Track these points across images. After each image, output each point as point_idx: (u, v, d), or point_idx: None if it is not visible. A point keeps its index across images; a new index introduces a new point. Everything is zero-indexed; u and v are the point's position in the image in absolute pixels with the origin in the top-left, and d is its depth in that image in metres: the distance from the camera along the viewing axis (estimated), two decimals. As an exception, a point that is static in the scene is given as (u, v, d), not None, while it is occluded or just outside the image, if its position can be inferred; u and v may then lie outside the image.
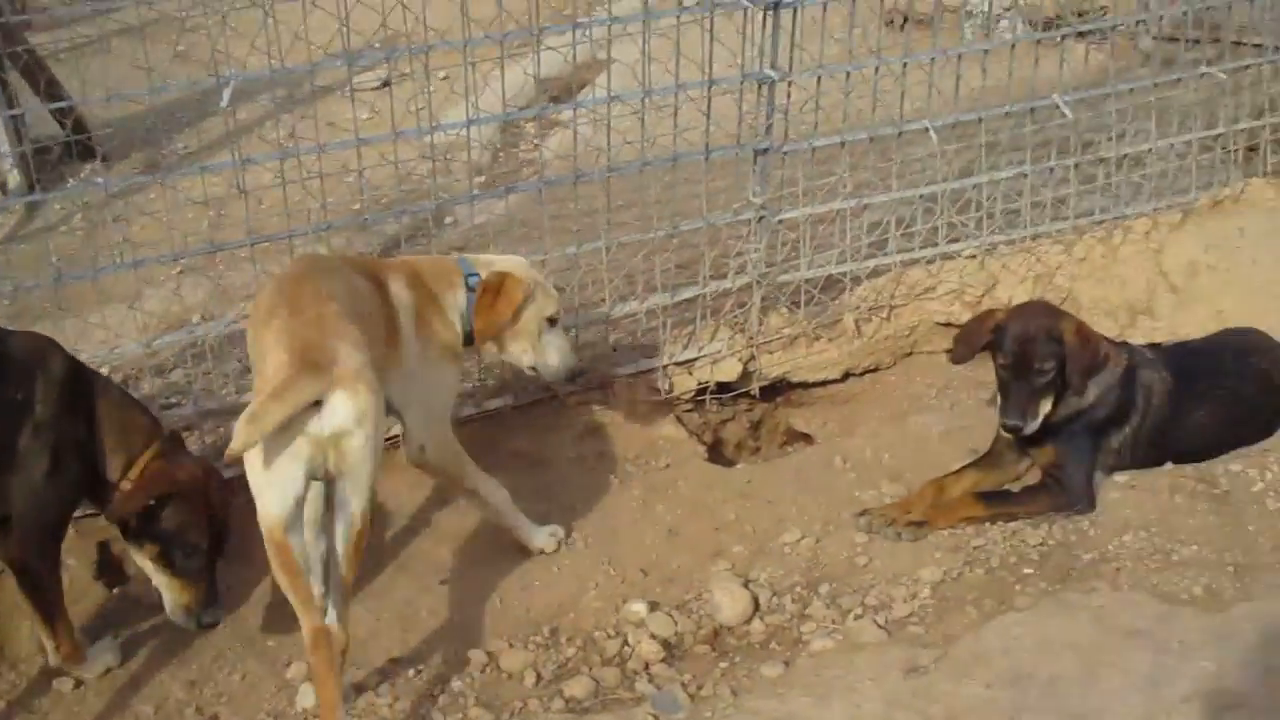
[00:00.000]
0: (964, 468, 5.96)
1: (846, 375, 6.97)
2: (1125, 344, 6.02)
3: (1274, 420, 6.20)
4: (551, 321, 5.47)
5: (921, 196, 6.92)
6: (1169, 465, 5.94)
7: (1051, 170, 7.13)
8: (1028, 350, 5.57)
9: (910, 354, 7.09)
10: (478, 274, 5.35)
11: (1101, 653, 4.87)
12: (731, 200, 6.75)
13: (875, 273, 6.95)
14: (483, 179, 8.56)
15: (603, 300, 6.42)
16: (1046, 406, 5.65)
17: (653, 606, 5.41)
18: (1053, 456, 5.79)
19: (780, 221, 6.65)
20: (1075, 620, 5.05)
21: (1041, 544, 5.59)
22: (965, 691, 4.71)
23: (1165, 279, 7.03)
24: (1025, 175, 7.04)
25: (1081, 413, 5.78)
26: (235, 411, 5.81)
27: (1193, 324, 6.75)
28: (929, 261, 7.00)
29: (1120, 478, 5.91)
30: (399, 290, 5.13)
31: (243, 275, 6.61)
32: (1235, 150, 7.62)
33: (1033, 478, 5.89)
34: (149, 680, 5.17)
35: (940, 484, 5.91)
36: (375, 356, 4.55)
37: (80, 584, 5.59)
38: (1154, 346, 6.17)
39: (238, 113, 6.70)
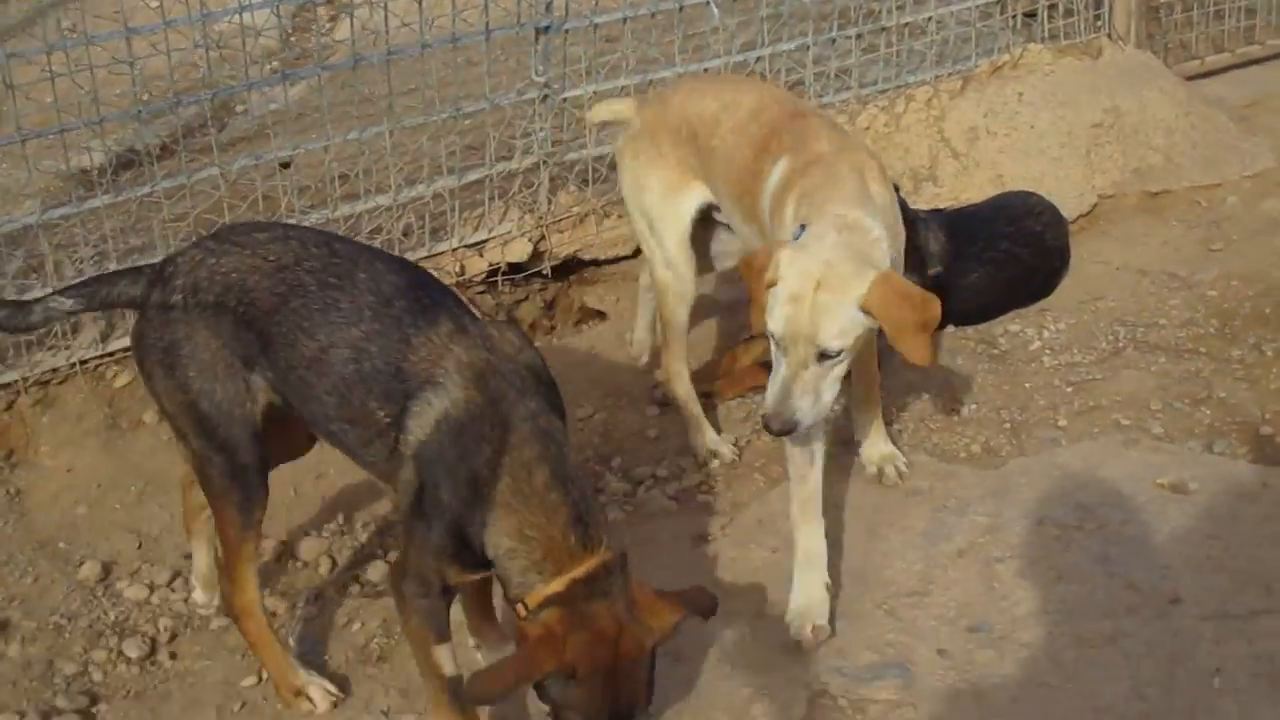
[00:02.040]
0: (754, 337, 6.04)
1: (638, 251, 6.98)
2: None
3: (1049, 281, 6.38)
4: None
5: (706, 70, 6.93)
6: (950, 328, 6.09)
7: (834, 41, 7.20)
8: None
9: (699, 227, 7.14)
10: None
11: (882, 513, 5.04)
12: (517, 81, 6.72)
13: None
14: (274, 65, 8.39)
15: (389, 185, 6.36)
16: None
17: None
18: None
19: (565, 100, 6.63)
20: (857, 483, 5.20)
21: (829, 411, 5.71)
22: (751, 556, 4.83)
23: (947, 145, 7.15)
24: (809, 47, 7.09)
25: None
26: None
27: (974, 189, 6.90)
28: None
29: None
30: None
31: (19, 173, 6.43)
32: (1014, 16, 7.77)
33: None
34: (-63, 588, 5.10)
35: (733, 354, 6.01)
36: None
37: None
38: (932, 211, 6.28)
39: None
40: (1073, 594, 4.58)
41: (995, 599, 4.59)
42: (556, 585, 3.53)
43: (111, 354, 5.99)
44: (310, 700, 4.36)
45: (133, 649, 4.73)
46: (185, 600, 4.96)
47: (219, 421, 4.07)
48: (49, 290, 5.72)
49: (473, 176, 6.54)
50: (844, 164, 4.49)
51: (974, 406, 5.63)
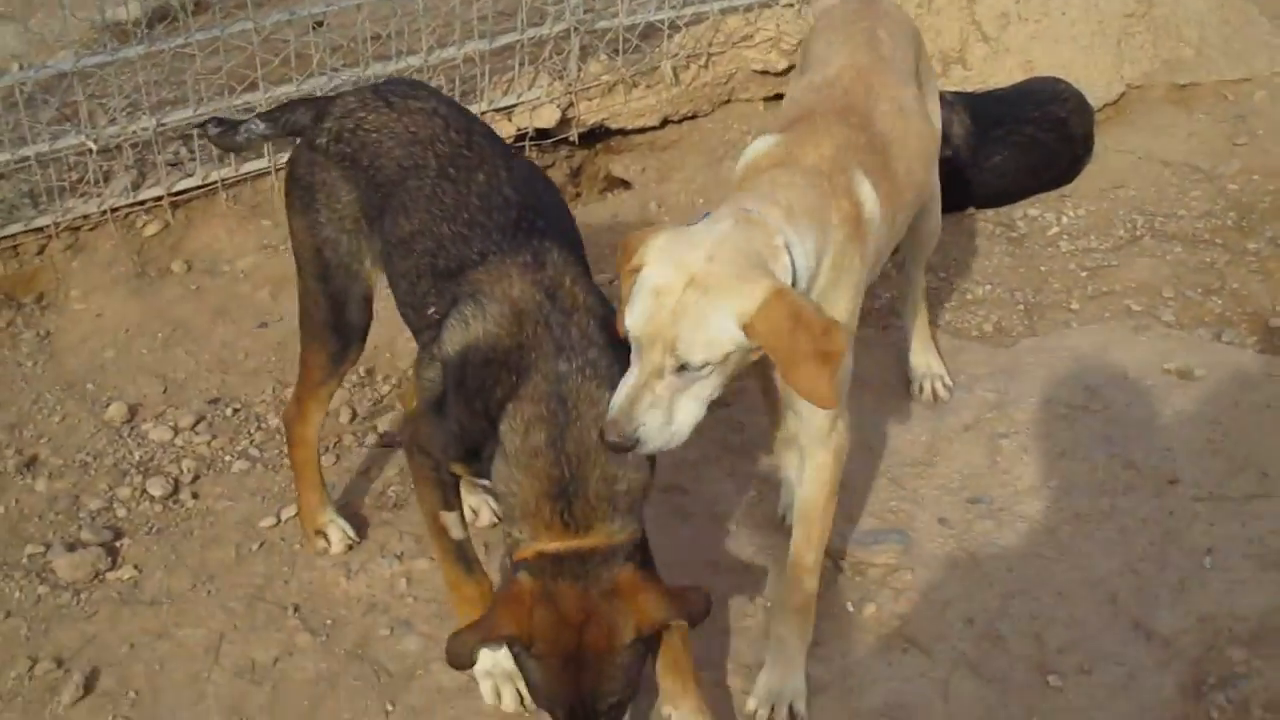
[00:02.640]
0: None
1: (665, 122, 7.04)
2: None
3: (1072, 168, 6.43)
4: None
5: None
6: (970, 209, 6.15)
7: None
8: None
9: (728, 101, 7.17)
10: None
11: (891, 387, 5.13)
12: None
13: (694, 20, 6.98)
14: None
15: (420, 47, 6.40)
16: None
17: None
18: None
19: (597, -36, 6.68)
20: (871, 357, 5.28)
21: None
22: (760, 421, 4.92)
23: (978, 29, 7.13)
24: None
25: None
26: (47, 159, 5.85)
27: (1003, 74, 6.90)
28: (747, 9, 7.05)
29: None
30: None
31: (55, 23, 6.49)
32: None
33: None
34: (-34, 423, 5.24)
35: None
36: None
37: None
38: (958, 93, 6.32)
39: None
40: (1073, 471, 4.68)
41: (997, 473, 4.70)
42: (529, 552, 3.37)
43: (142, 202, 6.11)
44: (326, 540, 4.49)
45: (156, 488, 4.87)
46: (208, 444, 5.09)
47: (336, 272, 4.08)
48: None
49: (504, 41, 6.58)
50: (810, 178, 3.63)
51: (989, 287, 5.70)
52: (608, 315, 3.51)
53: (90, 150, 5.96)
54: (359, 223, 4.00)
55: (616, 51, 6.86)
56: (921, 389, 5.04)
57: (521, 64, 6.69)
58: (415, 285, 3.80)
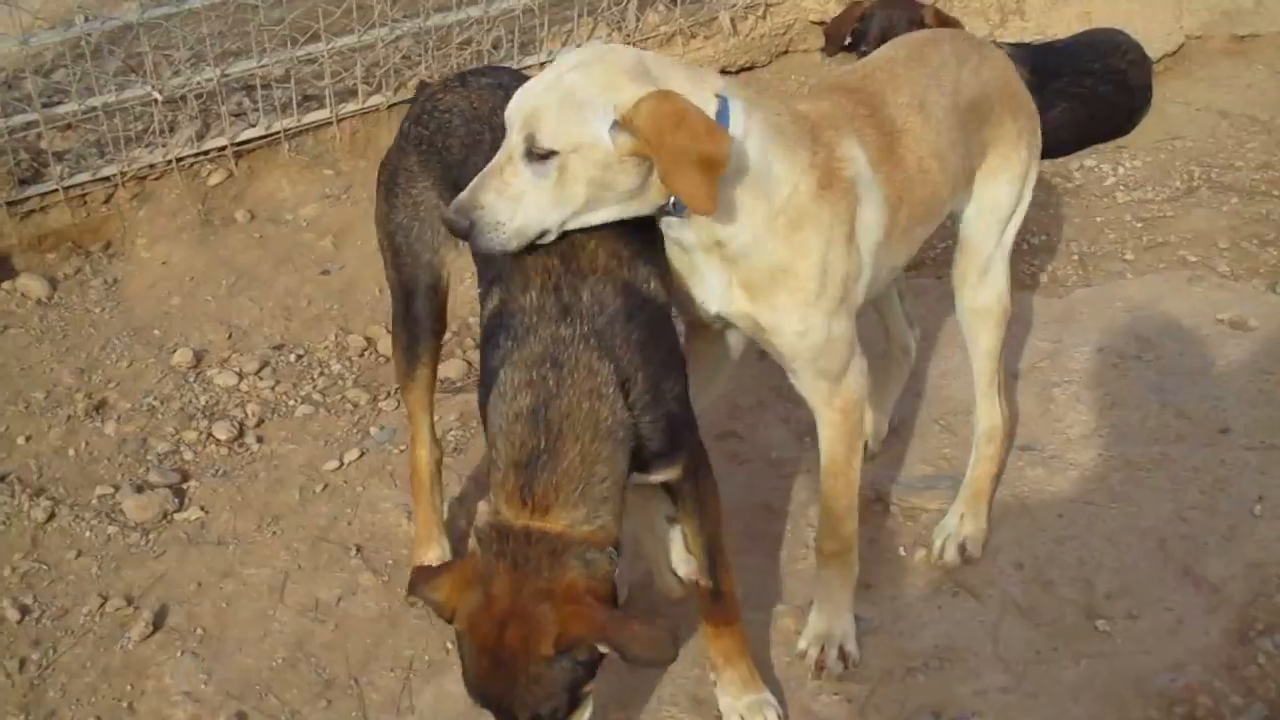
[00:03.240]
0: None
1: (723, 73, 7.06)
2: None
3: (1130, 119, 6.41)
4: None
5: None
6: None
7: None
8: (893, 26, 5.65)
9: (786, 52, 7.22)
10: None
11: (945, 333, 5.17)
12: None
13: (753, -30, 7.03)
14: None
15: (480, -1, 6.48)
16: None
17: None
18: None
19: (658, -84, 6.72)
20: (923, 304, 5.32)
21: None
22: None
23: (1038, -19, 7.15)
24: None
25: None
26: (114, 110, 5.94)
27: (1061, 25, 6.90)
28: (812, -42, 7.09)
29: (979, 172, 6.17)
30: None
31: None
32: None
33: None
34: (39, 368, 5.35)
35: None
36: None
37: None
38: (1017, 45, 6.31)
39: None
40: (1125, 420, 4.72)
41: (1049, 420, 4.74)
42: (485, 521, 3.16)
43: (206, 152, 6.22)
44: None
45: (222, 431, 4.98)
46: (272, 389, 5.19)
47: (407, 260, 3.98)
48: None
49: (568, -8, 6.65)
50: (795, 119, 3.49)
51: (1044, 237, 5.73)
52: (633, 291, 3.26)
53: (155, 101, 6.06)
54: (435, 209, 3.87)
55: (675, 2, 6.90)
56: (935, 545, 4.35)
57: (580, 15, 6.75)
58: (476, 261, 3.73)
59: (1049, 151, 6.01)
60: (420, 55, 6.52)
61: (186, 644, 4.15)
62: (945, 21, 5.57)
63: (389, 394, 5.12)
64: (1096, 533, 4.30)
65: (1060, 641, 3.96)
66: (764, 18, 7.06)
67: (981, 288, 4.18)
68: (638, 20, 6.79)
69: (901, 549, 4.31)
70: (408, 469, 4.43)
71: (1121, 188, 6.03)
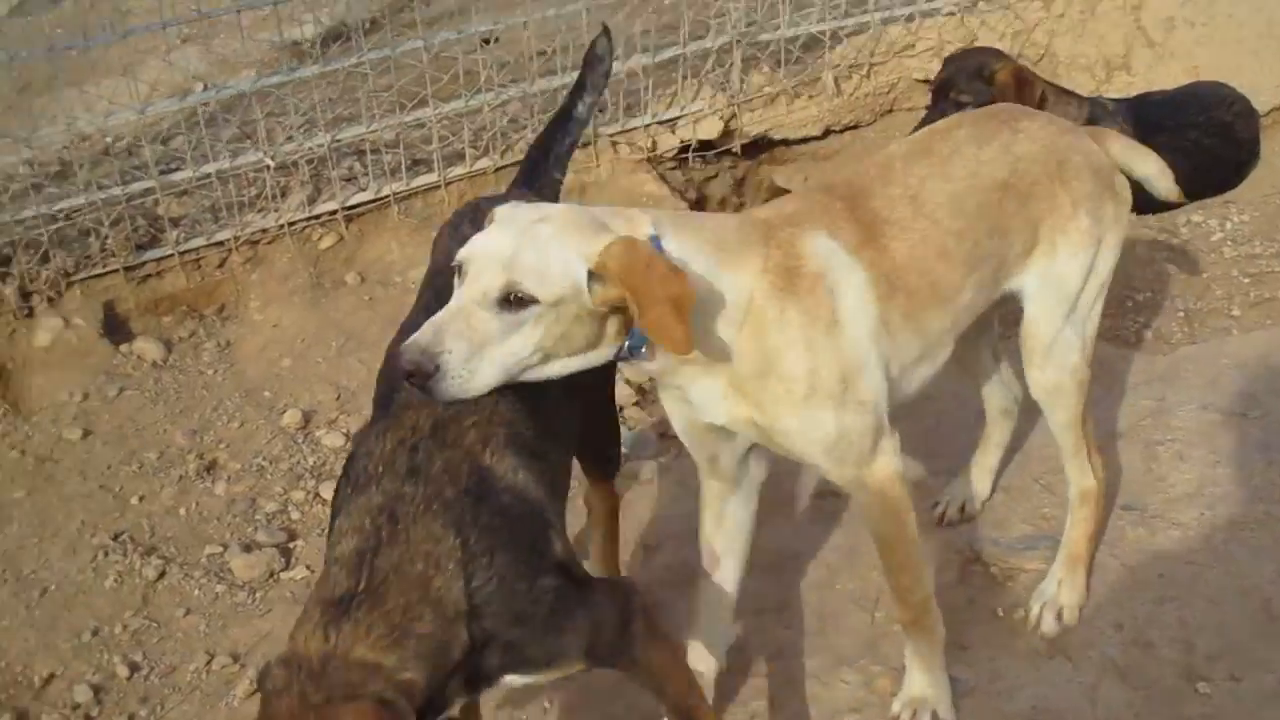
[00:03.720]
0: None
1: (827, 132, 7.13)
2: (1087, 98, 6.12)
3: (1237, 173, 6.35)
4: None
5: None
6: (1132, 215, 6.11)
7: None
8: (952, 79, 5.60)
9: (890, 111, 7.24)
10: None
11: (1046, 395, 5.14)
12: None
13: (855, 31, 7.06)
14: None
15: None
16: None
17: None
18: None
19: (763, -22, 6.79)
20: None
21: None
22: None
23: (1143, 34, 7.12)
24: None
25: None
26: (228, 176, 6.10)
27: (1168, 79, 6.84)
28: (908, 19, 7.11)
29: (1085, 228, 6.15)
30: None
31: (236, 44, 6.76)
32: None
33: None
34: (153, 429, 5.48)
35: None
36: None
37: (88, 341, 5.88)
38: (1119, 100, 6.29)
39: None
40: (1229, 478, 4.66)
41: (1152, 480, 4.70)
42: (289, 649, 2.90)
43: (317, 217, 6.36)
44: None
45: (328, 491, 5.05)
46: (378, 449, 5.28)
47: None
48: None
49: (667, 54, 6.72)
50: (745, 224, 3.51)
51: (1149, 294, 5.69)
52: (493, 477, 3.08)
53: (268, 166, 6.21)
54: None
55: (779, 63, 6.96)
56: (1031, 612, 4.29)
57: (684, 77, 6.83)
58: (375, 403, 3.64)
59: (1154, 206, 6.00)
60: (526, 119, 6.62)
61: (289, 702, 4.22)
62: (1021, 79, 5.52)
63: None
64: (1198, 593, 4.24)
65: (1160, 704, 3.91)
66: (868, 77, 7.09)
67: (1049, 366, 4.04)
68: (742, 82, 6.85)
69: (1000, 610, 4.28)
70: None
71: (1229, 243, 5.98)
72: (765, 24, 6.90)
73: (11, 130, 6.12)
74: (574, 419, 3.56)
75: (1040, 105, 5.51)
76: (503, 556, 2.98)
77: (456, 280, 3.11)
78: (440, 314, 3.06)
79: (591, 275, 3.06)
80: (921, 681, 3.88)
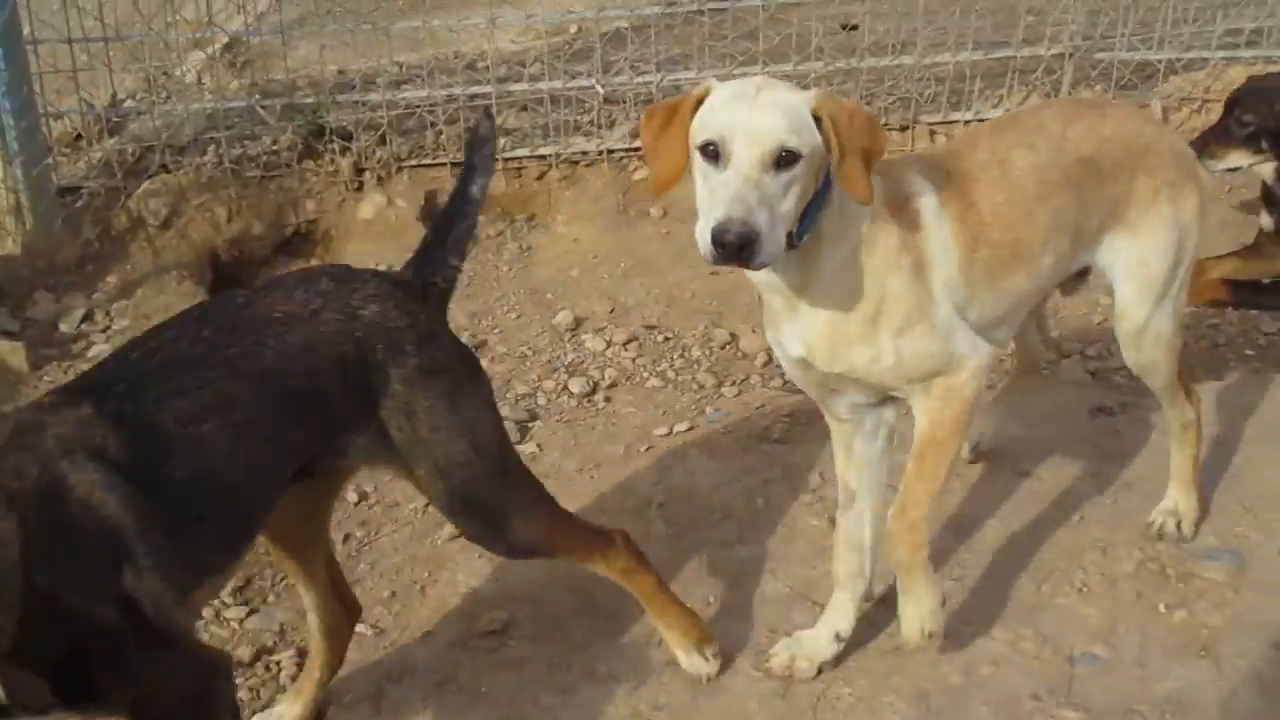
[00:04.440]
0: (1226, 255, 6.17)
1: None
2: None
3: None
4: None
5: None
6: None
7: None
8: (1243, 98, 5.68)
9: (1209, 148, 7.23)
10: None
11: (1276, 425, 5.16)
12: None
13: (1193, 65, 7.08)
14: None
15: (914, 47, 6.80)
16: (1239, 159, 5.71)
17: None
18: None
19: (1105, -2, 6.90)
20: (1268, 396, 5.34)
21: (1273, 334, 5.84)
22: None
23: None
24: None
25: None
26: (558, 96, 6.54)
27: None
28: (1251, 62, 7.08)
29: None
30: None
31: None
32: None
33: None
34: (441, 304, 5.98)
35: (1202, 265, 6.16)
36: None
37: (405, 221, 6.42)
38: None
39: None
40: None
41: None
42: None
43: (636, 149, 6.74)
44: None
45: (577, 386, 5.49)
46: (633, 360, 5.66)
47: None
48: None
49: (998, 54, 6.88)
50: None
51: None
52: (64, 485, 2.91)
53: (598, 94, 6.63)
54: None
55: (1111, 83, 7.03)
56: (1154, 523, 4.69)
57: (1013, 82, 6.96)
58: None
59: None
60: (852, 90, 6.89)
61: (485, 552, 4.60)
62: None
63: (734, 383, 5.49)
64: (1370, 630, 4.26)
65: (1291, 720, 3.97)
66: (1199, 111, 7.10)
67: (1144, 347, 4.29)
68: (1070, 94, 6.95)
69: (1163, 606, 4.36)
70: (728, 447, 4.89)
71: None
72: (1102, 41, 6.98)
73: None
74: (269, 471, 3.36)
75: None
76: (59, 561, 2.86)
77: (707, 160, 3.30)
78: (730, 188, 3.22)
79: (818, 121, 3.32)
80: (917, 599, 3.93)
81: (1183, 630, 4.27)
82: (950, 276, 3.73)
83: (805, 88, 3.47)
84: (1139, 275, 4.16)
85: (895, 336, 3.65)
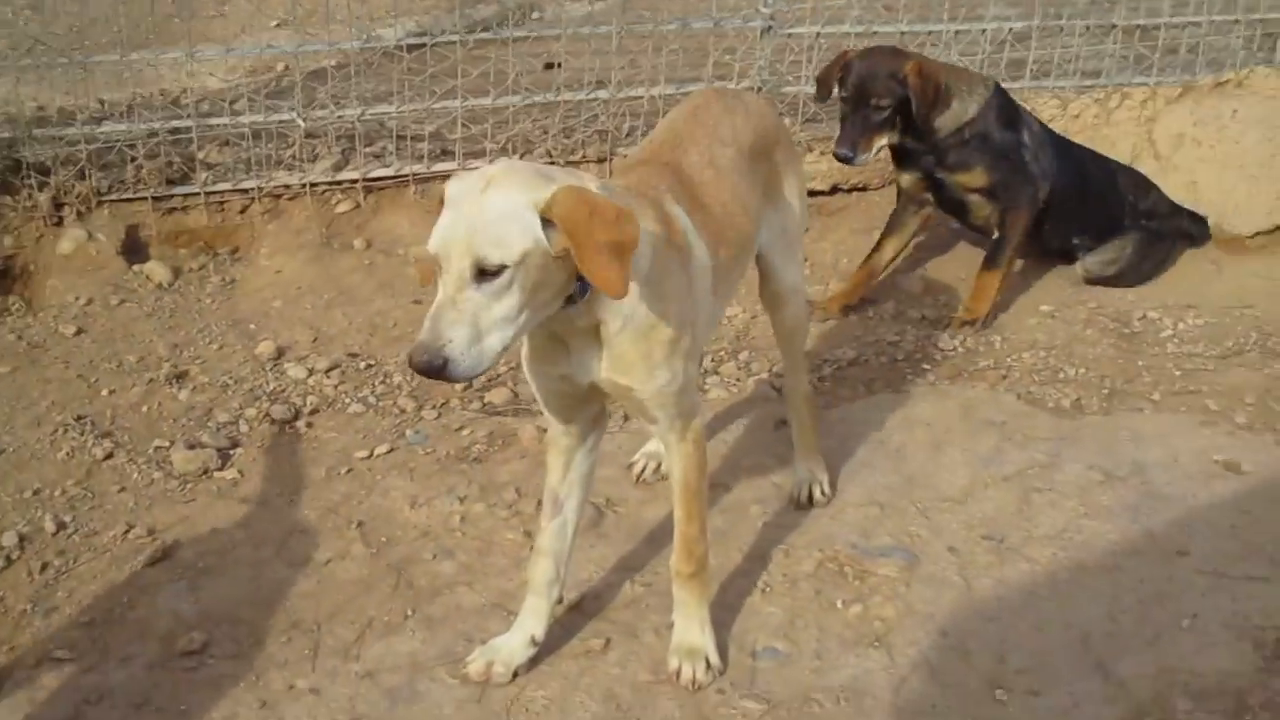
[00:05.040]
0: (879, 242, 6.55)
1: (834, 189, 7.48)
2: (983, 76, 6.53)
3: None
4: None
5: (929, 33, 7.38)
6: (1093, 303, 6.47)
7: (1062, 28, 7.57)
8: (866, 87, 6.06)
9: (899, 177, 7.60)
10: None
11: (952, 434, 5.48)
12: (743, 6, 7.32)
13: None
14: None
15: (609, 81, 7.01)
16: (881, 142, 6.14)
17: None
18: (983, 174, 6.35)
19: (789, 35, 7.18)
20: (941, 406, 5.66)
21: (950, 349, 6.17)
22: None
23: (1152, 146, 7.40)
24: (1033, 27, 7.48)
25: (970, 122, 6.25)
26: (259, 129, 6.57)
27: (1167, 189, 7.15)
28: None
29: (1045, 306, 6.50)
30: None
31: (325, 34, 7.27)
32: (1253, 36, 8.00)
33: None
34: (140, 337, 6.00)
35: (868, 266, 6.53)
36: None
37: (105, 256, 6.42)
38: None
39: None
40: (1092, 530, 4.94)
41: (1020, 519, 4.99)
42: None
43: (339, 183, 6.84)
44: None
45: (278, 413, 5.52)
46: (335, 386, 5.73)
47: None
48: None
49: (690, 89, 7.12)
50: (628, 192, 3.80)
51: (1083, 370, 5.98)
52: None
53: (299, 126, 6.69)
54: None
55: (798, 116, 7.34)
56: (798, 493, 5.08)
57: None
58: None
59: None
60: (549, 124, 7.07)
61: (186, 574, 4.66)
62: (925, 74, 5.99)
63: (434, 407, 5.60)
64: (1026, 619, 4.52)
65: (956, 703, 4.19)
66: (880, 142, 7.45)
67: (789, 306, 4.80)
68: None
69: (840, 602, 4.59)
70: (427, 468, 5.01)
71: (1175, 339, 6.24)
72: (789, 76, 7.29)
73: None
74: None
75: (945, 94, 6.06)
76: None
77: (437, 271, 3.34)
78: (432, 309, 3.32)
79: (546, 222, 3.31)
80: (694, 631, 4.24)
81: (858, 623, 4.51)
82: (709, 284, 4.00)
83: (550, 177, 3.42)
84: (783, 235, 4.63)
85: (685, 360, 3.86)
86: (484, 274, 3.26)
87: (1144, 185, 6.93)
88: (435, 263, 3.35)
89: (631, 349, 3.74)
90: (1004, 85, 6.52)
